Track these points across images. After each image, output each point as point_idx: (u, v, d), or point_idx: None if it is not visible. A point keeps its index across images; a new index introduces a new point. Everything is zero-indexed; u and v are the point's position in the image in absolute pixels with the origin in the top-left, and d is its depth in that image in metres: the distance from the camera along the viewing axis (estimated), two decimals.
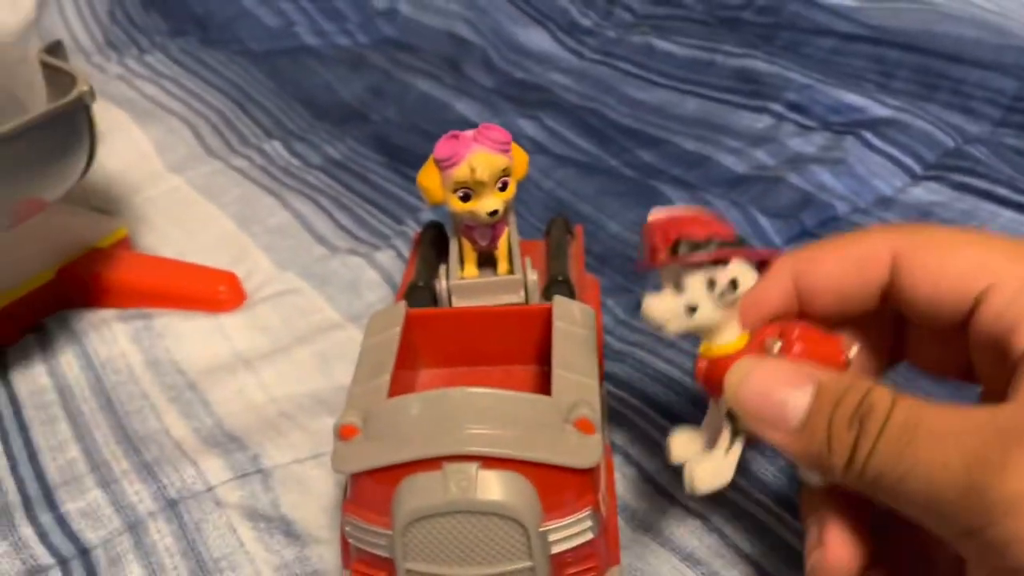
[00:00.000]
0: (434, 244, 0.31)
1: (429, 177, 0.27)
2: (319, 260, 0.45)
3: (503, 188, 0.27)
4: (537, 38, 0.72)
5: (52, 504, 0.31)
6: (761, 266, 0.23)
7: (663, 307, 0.22)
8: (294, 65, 0.71)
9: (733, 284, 0.22)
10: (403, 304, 0.28)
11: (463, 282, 0.29)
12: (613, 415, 0.33)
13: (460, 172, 0.26)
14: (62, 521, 0.30)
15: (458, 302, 0.29)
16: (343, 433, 0.23)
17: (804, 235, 0.46)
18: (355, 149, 0.57)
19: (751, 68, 0.61)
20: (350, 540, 0.24)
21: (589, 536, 0.23)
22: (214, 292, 0.43)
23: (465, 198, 0.27)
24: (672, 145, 0.55)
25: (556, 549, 0.22)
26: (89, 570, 0.29)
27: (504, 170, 0.27)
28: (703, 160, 0.53)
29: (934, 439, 0.19)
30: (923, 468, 0.19)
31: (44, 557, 0.29)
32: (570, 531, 0.23)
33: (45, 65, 0.43)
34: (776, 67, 0.60)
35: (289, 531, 0.30)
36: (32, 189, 0.34)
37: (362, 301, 0.41)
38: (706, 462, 0.23)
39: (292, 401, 0.35)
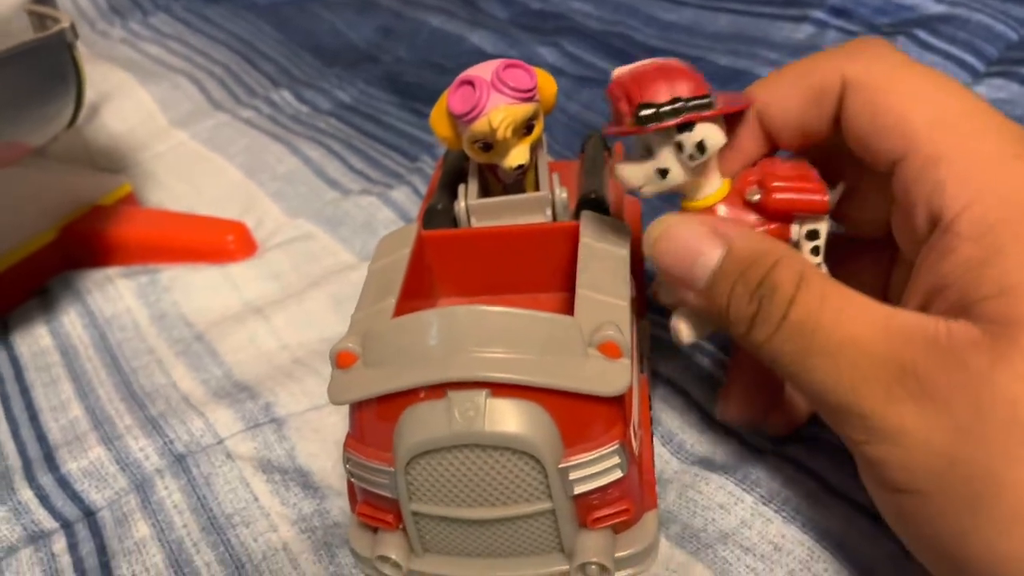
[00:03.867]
0: (456, 168, 0.28)
1: (441, 121, 0.24)
2: (331, 203, 0.42)
3: (529, 131, 0.23)
4: None
5: (52, 465, 0.28)
6: (737, 116, 0.22)
7: (636, 172, 0.21)
8: (301, 14, 0.68)
9: (700, 147, 0.21)
10: (414, 225, 0.25)
11: (483, 201, 0.25)
12: (657, 344, 0.30)
13: (479, 127, 0.22)
14: (63, 482, 0.28)
15: (478, 223, 0.25)
16: (340, 360, 0.20)
17: None
18: (366, 92, 0.54)
19: None
20: (352, 479, 0.21)
21: (617, 474, 0.20)
22: (222, 243, 0.40)
23: (486, 148, 0.23)
24: (705, 63, 0.51)
25: (579, 489, 0.20)
26: (95, 531, 0.27)
27: (530, 118, 0.23)
28: (739, 74, 0.49)
29: (827, 354, 0.19)
30: (815, 375, 0.19)
31: (47, 520, 0.27)
32: (595, 468, 0.20)
33: (32, 14, 0.41)
34: None
35: (307, 483, 0.27)
36: (9, 130, 0.31)
37: (377, 240, 0.38)
38: (692, 315, 0.22)
39: (305, 347, 0.33)
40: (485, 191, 0.26)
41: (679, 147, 0.21)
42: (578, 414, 0.19)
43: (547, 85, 0.24)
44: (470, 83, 0.22)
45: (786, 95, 0.22)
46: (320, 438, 0.29)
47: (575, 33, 0.56)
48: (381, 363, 0.20)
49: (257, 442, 0.28)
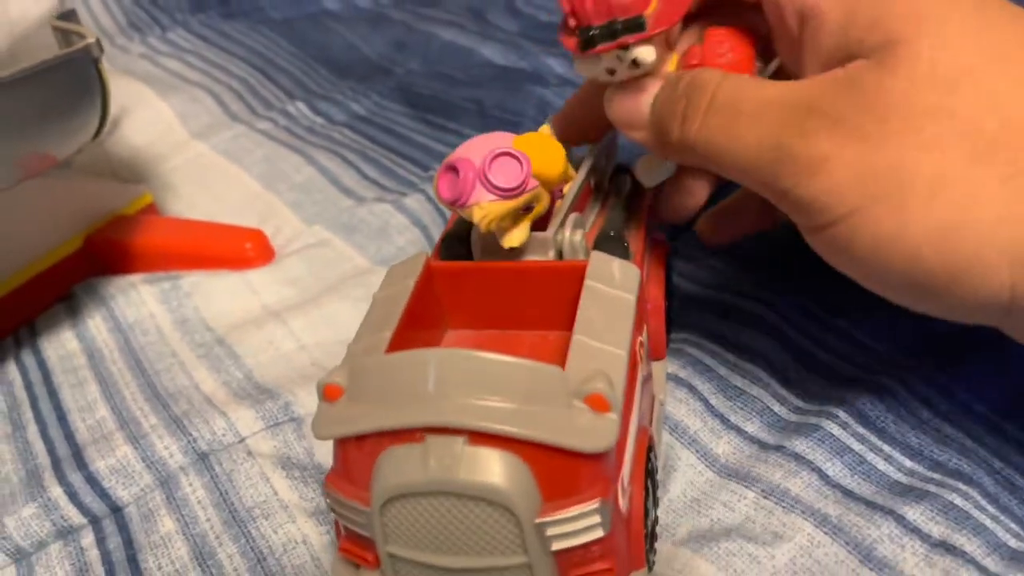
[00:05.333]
0: None
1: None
2: (346, 211, 0.43)
3: (528, 210, 0.23)
4: None
5: (81, 463, 0.29)
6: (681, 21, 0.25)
7: (589, 69, 0.24)
8: (315, 28, 0.69)
9: (634, 63, 0.23)
10: (423, 254, 0.25)
11: (488, 236, 0.24)
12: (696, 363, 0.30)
13: (467, 215, 0.22)
14: (92, 480, 0.29)
15: (483, 257, 0.25)
16: (327, 393, 0.20)
17: None
18: (379, 103, 0.55)
19: None
20: (334, 514, 0.21)
21: (598, 533, 0.19)
22: (241, 250, 0.41)
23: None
24: None
25: (557, 546, 0.19)
26: (122, 527, 0.28)
27: (521, 209, 0.23)
28: None
29: (752, 118, 0.22)
30: (744, 141, 0.22)
31: (75, 517, 0.28)
32: (574, 525, 0.19)
33: (56, 29, 0.42)
34: None
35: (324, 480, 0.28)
36: (38, 143, 0.33)
37: (392, 245, 0.39)
38: (650, 160, 0.27)
39: (323, 349, 0.34)
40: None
41: (621, 60, 0.24)
42: (558, 468, 0.19)
43: (550, 166, 0.23)
44: (453, 169, 0.22)
45: None
46: None
47: None
48: (365, 400, 0.20)
49: (277, 440, 0.29)
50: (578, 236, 0.24)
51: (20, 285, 0.39)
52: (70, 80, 0.35)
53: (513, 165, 0.22)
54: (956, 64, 0.20)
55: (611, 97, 0.25)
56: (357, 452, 0.20)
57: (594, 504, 0.19)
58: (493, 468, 0.18)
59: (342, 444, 0.20)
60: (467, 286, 0.25)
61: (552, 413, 0.19)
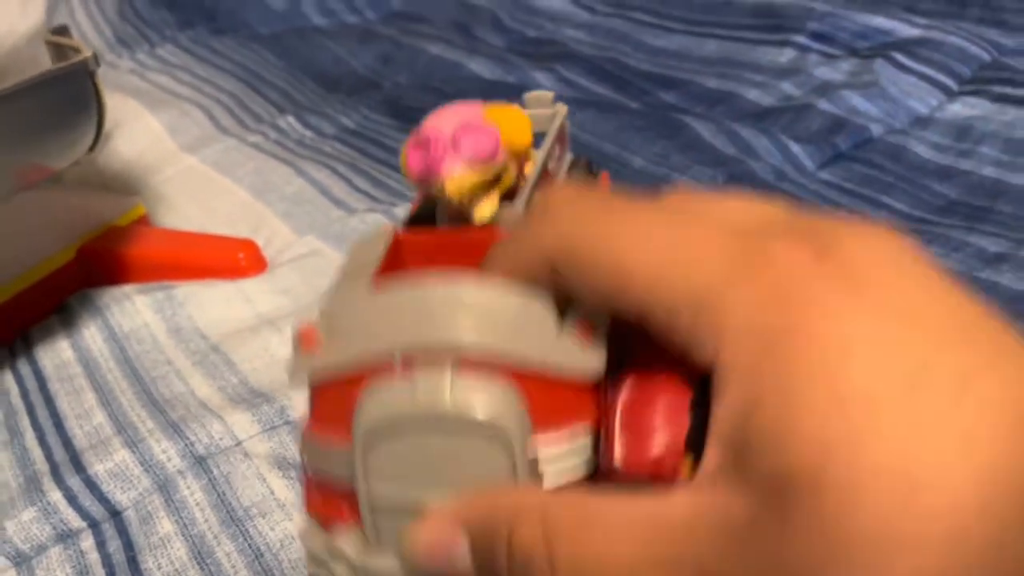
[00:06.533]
0: None
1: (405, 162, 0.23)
2: (337, 221, 0.44)
3: (497, 181, 0.22)
4: None
5: (80, 467, 0.30)
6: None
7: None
8: (304, 44, 0.70)
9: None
10: (389, 226, 0.24)
11: (456, 212, 0.23)
12: None
13: (435, 189, 0.22)
14: (91, 484, 0.29)
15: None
16: (304, 341, 0.19)
17: (839, 158, 0.44)
18: (368, 116, 0.56)
19: (769, 3, 0.59)
20: (308, 471, 0.20)
21: (589, 469, 0.19)
22: (234, 260, 0.42)
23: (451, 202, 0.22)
24: (694, 85, 0.54)
25: (549, 483, 0.18)
26: (121, 529, 0.28)
27: (491, 180, 0.22)
28: (727, 96, 0.52)
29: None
30: None
31: (75, 520, 0.28)
32: (567, 459, 0.18)
33: (51, 44, 0.43)
34: None
35: None
36: (35, 154, 0.33)
37: None
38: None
39: None
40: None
41: None
42: (550, 397, 0.18)
43: (517, 135, 0.22)
44: (423, 143, 0.21)
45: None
46: None
47: (569, 59, 0.59)
48: (346, 341, 0.19)
49: (273, 442, 0.30)
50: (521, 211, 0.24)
51: (14, 296, 0.39)
52: (67, 93, 0.35)
53: (484, 136, 0.21)
54: (872, 519, 0.13)
55: (411, 543, 0.19)
56: (338, 392, 0.19)
57: (584, 437, 0.18)
58: (484, 397, 0.18)
59: (322, 388, 0.19)
60: (437, 256, 0.24)
61: (542, 340, 0.18)
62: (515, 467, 0.18)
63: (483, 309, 0.18)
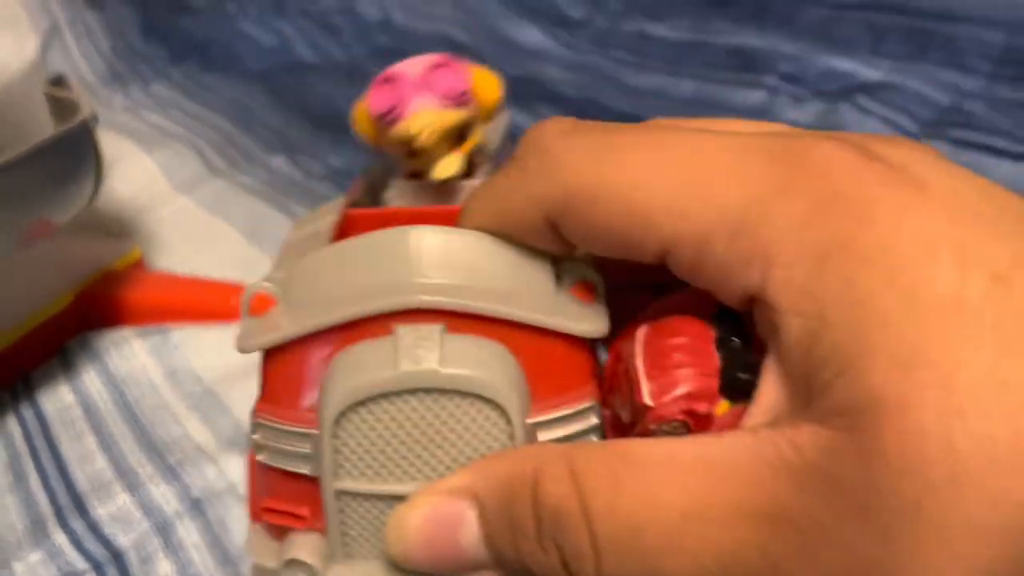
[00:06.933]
0: (378, 181, 0.23)
1: (363, 117, 0.20)
2: None
3: (461, 140, 0.20)
4: (530, 34, 0.72)
5: (83, 510, 0.32)
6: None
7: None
8: (294, 81, 0.72)
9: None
10: (339, 199, 0.21)
11: (414, 183, 0.21)
12: None
13: (398, 131, 0.19)
14: (94, 527, 0.31)
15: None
16: (255, 305, 0.17)
17: None
18: (356, 157, 0.58)
19: (743, 45, 0.62)
20: (260, 456, 0.17)
21: (592, 438, 0.16)
22: (228, 304, 0.44)
23: (411, 154, 0.20)
24: None
25: None
26: (123, 571, 0.30)
27: (460, 126, 0.20)
28: None
29: (672, 548, 0.13)
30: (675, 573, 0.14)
31: (79, 562, 0.30)
32: (568, 427, 0.16)
33: (49, 97, 0.45)
34: (767, 41, 0.61)
35: None
36: (40, 212, 0.35)
37: None
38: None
39: None
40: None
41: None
42: (549, 360, 0.16)
43: (487, 88, 0.21)
44: (390, 80, 0.20)
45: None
46: None
47: (550, 100, 0.61)
48: (309, 302, 0.16)
49: None
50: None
51: (15, 342, 0.41)
52: (68, 150, 0.37)
53: (455, 73, 0.20)
54: (978, 439, 0.12)
55: (395, 535, 0.16)
56: (302, 361, 0.16)
57: (589, 403, 0.16)
58: (477, 357, 0.15)
59: (281, 356, 0.16)
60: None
61: (540, 298, 0.16)
62: (513, 435, 0.16)
63: (471, 261, 0.16)
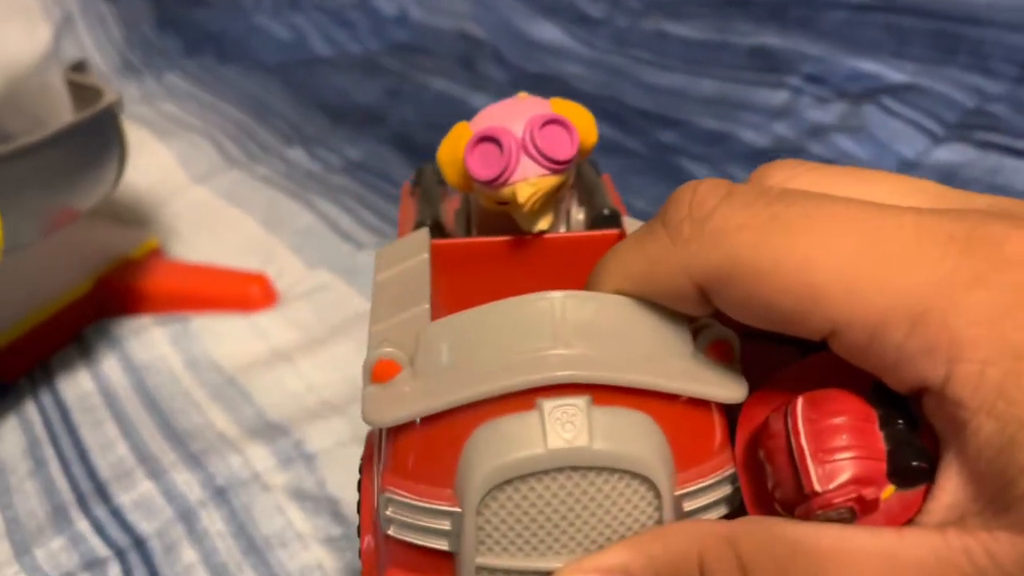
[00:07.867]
0: (434, 187, 0.24)
1: (454, 169, 0.20)
2: (347, 255, 0.45)
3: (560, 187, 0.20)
4: (548, 32, 0.72)
5: (106, 498, 0.31)
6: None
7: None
8: (309, 74, 0.72)
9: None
10: (424, 230, 0.21)
11: (493, 217, 0.20)
12: None
13: (502, 195, 0.19)
14: (116, 513, 0.31)
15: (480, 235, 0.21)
16: (378, 372, 0.16)
17: None
18: (375, 150, 0.58)
19: (765, 45, 0.61)
20: (390, 529, 0.16)
21: (724, 509, 0.16)
22: (246, 293, 0.43)
23: (504, 203, 0.20)
24: (691, 124, 0.56)
25: None
26: (146, 559, 0.29)
27: (561, 186, 0.20)
28: (723, 137, 0.54)
29: None
30: None
31: (101, 549, 0.30)
32: (710, 496, 0.16)
33: (71, 83, 0.44)
34: (789, 42, 0.60)
35: (335, 511, 0.30)
36: (65, 198, 0.35)
37: None
38: None
39: (331, 388, 0.36)
40: (468, 216, 0.22)
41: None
42: (692, 426, 0.16)
43: (587, 132, 0.20)
44: (496, 141, 0.19)
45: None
46: (347, 470, 0.32)
47: (570, 96, 0.60)
48: (440, 371, 0.16)
49: (290, 475, 0.31)
50: (581, 215, 0.22)
51: (34, 327, 0.41)
52: (93, 136, 0.37)
53: (562, 133, 0.19)
54: None
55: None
56: (438, 436, 0.15)
57: (728, 470, 0.16)
58: (628, 431, 0.15)
59: (410, 430, 0.16)
60: (472, 266, 0.21)
61: (681, 363, 0.16)
62: (660, 508, 0.15)
63: (613, 327, 0.16)
